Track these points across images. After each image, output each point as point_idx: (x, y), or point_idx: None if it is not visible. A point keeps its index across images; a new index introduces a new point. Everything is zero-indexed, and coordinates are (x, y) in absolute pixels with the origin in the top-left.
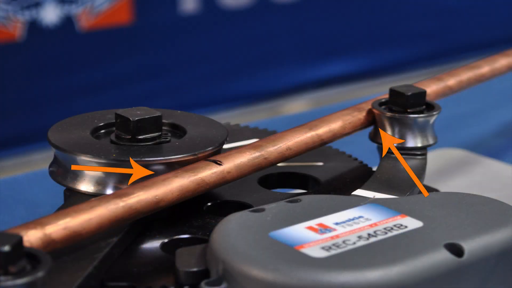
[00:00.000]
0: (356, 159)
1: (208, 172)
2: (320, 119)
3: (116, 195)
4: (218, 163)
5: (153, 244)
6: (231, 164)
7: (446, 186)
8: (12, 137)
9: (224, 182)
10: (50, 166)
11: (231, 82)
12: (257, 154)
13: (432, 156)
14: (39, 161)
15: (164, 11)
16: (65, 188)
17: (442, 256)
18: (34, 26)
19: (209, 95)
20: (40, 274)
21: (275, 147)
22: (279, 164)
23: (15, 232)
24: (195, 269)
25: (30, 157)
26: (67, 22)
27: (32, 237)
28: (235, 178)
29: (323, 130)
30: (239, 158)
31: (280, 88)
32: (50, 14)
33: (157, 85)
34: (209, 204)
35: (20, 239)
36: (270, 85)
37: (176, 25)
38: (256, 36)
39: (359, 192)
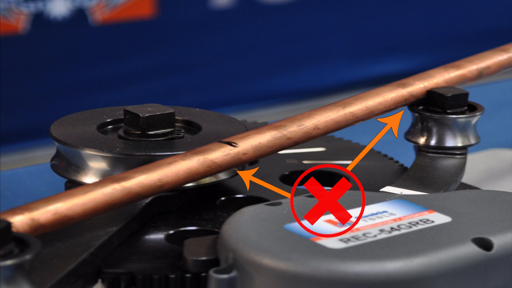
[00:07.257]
0: (391, 158)
1: (219, 154)
2: (355, 96)
3: (114, 179)
4: (233, 144)
5: (158, 235)
6: (247, 145)
7: (494, 186)
8: (15, 132)
9: (240, 163)
10: (52, 159)
11: (266, 80)
12: (278, 134)
13: (481, 157)
14: (43, 157)
15: (193, 4)
16: (66, 180)
17: (469, 249)
18: (40, 18)
19: (243, 93)
20: (28, 256)
21: (300, 127)
22: (304, 162)
23: (4, 217)
24: (203, 258)
25: (33, 153)
26: (78, 14)
27: (20, 222)
28: (253, 158)
29: (358, 107)
30: (257, 139)
31: (319, 86)
32: (59, 6)
33: (182, 82)
34: (222, 198)
35: (8, 224)
36: (296, 85)
37: (206, 20)
38: (295, 33)
39: (387, 189)
